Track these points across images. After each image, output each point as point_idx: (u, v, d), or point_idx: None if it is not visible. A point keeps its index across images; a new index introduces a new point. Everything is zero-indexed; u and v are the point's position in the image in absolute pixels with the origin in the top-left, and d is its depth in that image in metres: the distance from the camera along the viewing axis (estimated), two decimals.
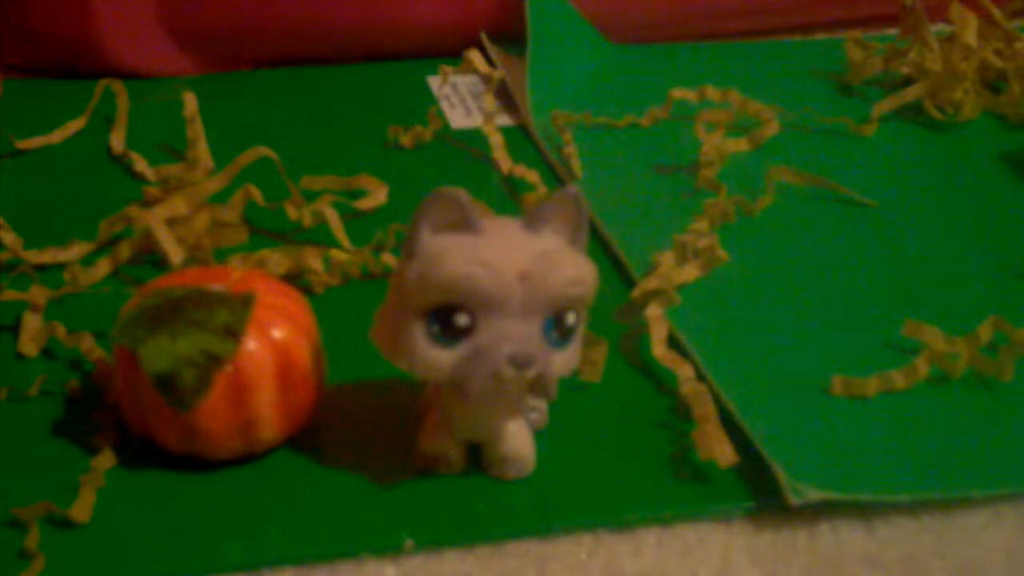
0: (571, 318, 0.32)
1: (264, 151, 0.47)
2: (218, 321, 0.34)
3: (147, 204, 0.46)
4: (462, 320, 0.31)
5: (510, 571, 0.33)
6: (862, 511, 0.35)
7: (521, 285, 0.31)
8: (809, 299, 0.44)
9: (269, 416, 0.34)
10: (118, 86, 0.54)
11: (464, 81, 0.59)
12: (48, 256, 0.44)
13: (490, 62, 0.58)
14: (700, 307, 0.43)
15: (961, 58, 0.58)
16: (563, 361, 0.33)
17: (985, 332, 0.41)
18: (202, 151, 0.49)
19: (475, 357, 0.31)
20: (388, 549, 0.33)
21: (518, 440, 0.35)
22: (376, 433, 0.37)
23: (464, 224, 0.31)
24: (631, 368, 0.40)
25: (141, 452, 0.35)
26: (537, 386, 0.32)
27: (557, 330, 0.32)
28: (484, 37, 0.61)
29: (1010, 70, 0.59)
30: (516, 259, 0.31)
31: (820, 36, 0.66)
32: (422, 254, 0.32)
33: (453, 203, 0.31)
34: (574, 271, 0.32)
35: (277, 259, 0.43)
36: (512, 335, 0.31)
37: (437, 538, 0.34)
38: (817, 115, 0.56)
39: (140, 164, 0.50)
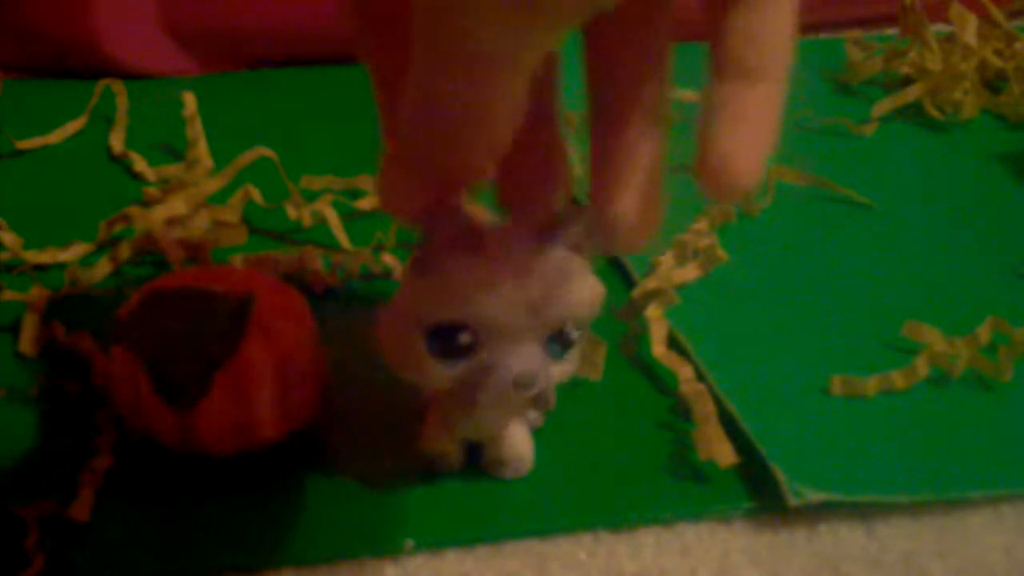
0: (574, 333, 0.32)
1: (264, 151, 0.47)
2: (218, 321, 0.34)
3: (147, 204, 0.46)
4: (465, 339, 0.31)
5: (510, 571, 0.33)
6: (861, 511, 0.35)
7: (528, 308, 0.31)
8: (809, 299, 0.44)
9: (269, 416, 0.34)
10: (118, 86, 0.54)
11: None
12: (48, 256, 0.44)
13: None
14: (700, 307, 0.43)
15: (961, 58, 0.58)
16: (562, 370, 0.33)
17: (985, 333, 0.41)
18: (202, 151, 0.49)
19: (479, 376, 0.31)
20: (388, 549, 0.33)
21: (516, 440, 0.35)
22: (376, 433, 0.37)
23: (471, 240, 0.31)
24: (631, 368, 0.40)
25: (141, 452, 0.35)
26: (537, 399, 0.32)
27: (559, 343, 0.32)
28: None
29: (1010, 70, 0.59)
30: (524, 282, 0.31)
31: (820, 36, 0.66)
32: (427, 272, 0.31)
33: (459, 219, 0.31)
34: (582, 293, 0.31)
35: (277, 259, 0.43)
36: (517, 355, 0.31)
37: (437, 538, 0.34)
38: (817, 115, 0.56)
39: (140, 164, 0.50)
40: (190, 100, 0.50)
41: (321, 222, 0.46)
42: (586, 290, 0.32)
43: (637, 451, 0.37)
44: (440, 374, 0.31)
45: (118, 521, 0.33)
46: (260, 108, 0.56)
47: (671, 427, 0.38)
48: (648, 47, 0.30)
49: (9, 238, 0.44)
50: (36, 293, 0.41)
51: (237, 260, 0.43)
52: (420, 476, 0.35)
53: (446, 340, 0.31)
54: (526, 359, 0.31)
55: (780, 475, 0.35)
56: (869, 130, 0.55)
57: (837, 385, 0.39)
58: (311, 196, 0.47)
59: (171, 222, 0.44)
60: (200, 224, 0.44)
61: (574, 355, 0.33)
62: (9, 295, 0.41)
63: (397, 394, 0.37)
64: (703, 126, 0.27)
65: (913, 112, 0.57)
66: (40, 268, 0.43)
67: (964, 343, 0.40)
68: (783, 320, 0.43)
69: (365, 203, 0.47)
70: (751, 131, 0.27)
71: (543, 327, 0.31)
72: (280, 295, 0.36)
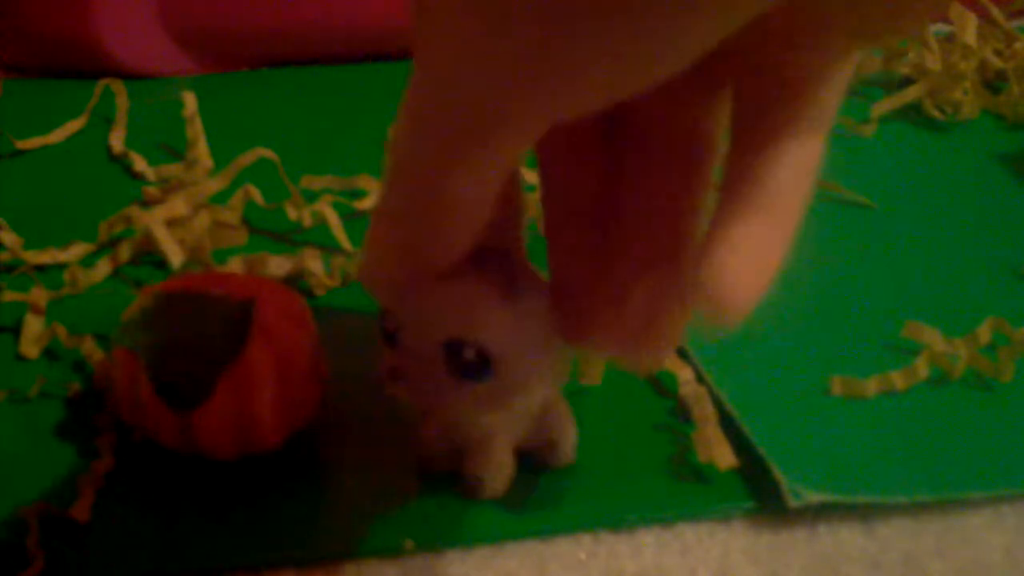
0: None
1: (264, 151, 0.47)
2: (218, 323, 0.34)
3: (147, 204, 0.46)
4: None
5: (510, 571, 0.33)
6: (861, 511, 0.35)
7: None
8: (809, 299, 0.44)
9: (269, 417, 0.34)
10: (118, 86, 0.54)
11: None
12: (48, 257, 0.44)
13: None
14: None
15: (961, 58, 0.58)
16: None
17: (985, 333, 0.41)
18: (202, 151, 0.49)
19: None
20: (388, 550, 0.33)
21: (497, 459, 0.35)
22: (376, 433, 0.37)
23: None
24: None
25: (141, 452, 0.35)
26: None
27: None
28: None
29: (1010, 70, 0.59)
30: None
31: None
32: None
33: None
34: None
35: (277, 261, 0.43)
36: None
37: (437, 538, 0.34)
38: None
39: (140, 164, 0.50)
40: (190, 100, 0.50)
41: (321, 223, 0.46)
42: None
43: (636, 452, 0.37)
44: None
45: (118, 521, 0.34)
46: (260, 108, 0.56)
47: (670, 429, 0.38)
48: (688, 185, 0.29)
49: (9, 238, 0.44)
50: (36, 294, 0.41)
51: (236, 262, 0.43)
52: (420, 476, 0.35)
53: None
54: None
55: (780, 476, 0.35)
56: (869, 130, 0.55)
57: (837, 385, 0.39)
58: (311, 196, 0.47)
59: (171, 223, 0.44)
60: (200, 225, 0.44)
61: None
62: (9, 296, 0.41)
63: None
64: (705, 241, 0.26)
65: (913, 112, 0.57)
66: (40, 268, 0.43)
67: (964, 343, 0.40)
68: (783, 320, 0.43)
69: (365, 203, 0.47)
70: (750, 258, 0.26)
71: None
72: (281, 297, 0.36)
